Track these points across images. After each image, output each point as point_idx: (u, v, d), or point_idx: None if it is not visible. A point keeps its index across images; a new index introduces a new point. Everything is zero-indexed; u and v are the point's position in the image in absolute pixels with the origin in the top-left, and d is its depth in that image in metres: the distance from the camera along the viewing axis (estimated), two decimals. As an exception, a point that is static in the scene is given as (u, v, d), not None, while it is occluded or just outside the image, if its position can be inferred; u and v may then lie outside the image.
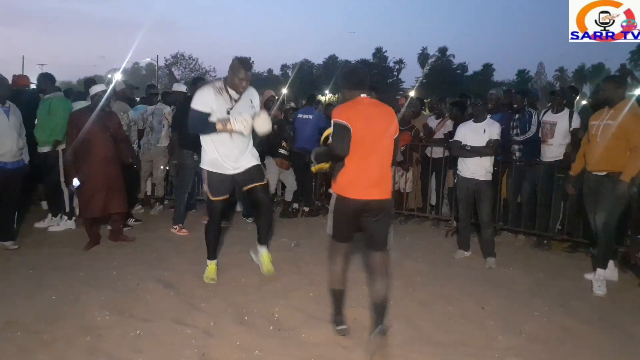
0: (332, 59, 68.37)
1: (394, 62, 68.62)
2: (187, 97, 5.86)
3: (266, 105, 6.55)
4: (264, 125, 4.20)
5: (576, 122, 5.63)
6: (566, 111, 5.75)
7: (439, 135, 6.77)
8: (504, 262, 5.21)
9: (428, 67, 62.17)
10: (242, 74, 4.12)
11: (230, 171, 4.30)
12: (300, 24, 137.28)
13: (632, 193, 4.65)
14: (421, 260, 5.27)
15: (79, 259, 4.89)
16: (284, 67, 68.99)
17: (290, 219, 6.95)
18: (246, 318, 3.64)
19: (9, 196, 5.12)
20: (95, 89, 5.25)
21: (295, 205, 7.29)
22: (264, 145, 6.03)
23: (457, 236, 5.65)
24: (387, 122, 3.33)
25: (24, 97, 6.25)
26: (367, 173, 3.23)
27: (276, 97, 7.76)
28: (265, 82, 47.31)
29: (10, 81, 5.88)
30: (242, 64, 4.14)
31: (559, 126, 5.67)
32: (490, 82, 61.97)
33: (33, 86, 7.01)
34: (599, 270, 4.49)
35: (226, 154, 4.24)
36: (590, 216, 4.70)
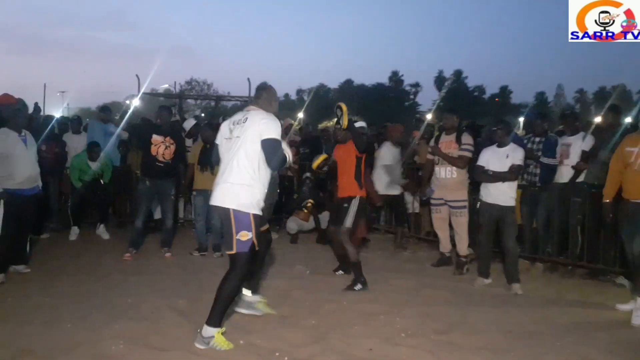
0: (348, 83, 68.78)
1: (410, 86, 68.83)
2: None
3: (286, 132, 6.66)
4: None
5: (586, 145, 5.63)
6: (581, 134, 5.81)
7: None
8: (524, 290, 5.08)
9: (445, 90, 62.20)
10: (278, 100, 3.95)
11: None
12: (315, 48, 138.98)
13: None
14: (439, 287, 5.17)
15: (95, 286, 4.90)
16: (299, 91, 69.42)
17: (323, 245, 6.80)
18: (260, 348, 3.58)
19: (24, 222, 5.21)
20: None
21: None
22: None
23: (477, 263, 5.53)
24: None
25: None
26: None
27: (293, 123, 7.90)
28: (282, 107, 47.54)
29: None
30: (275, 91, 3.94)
31: (574, 148, 5.72)
32: (508, 105, 61.64)
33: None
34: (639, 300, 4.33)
35: (264, 192, 3.67)
36: (627, 245, 4.52)
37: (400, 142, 6.91)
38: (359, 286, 4.95)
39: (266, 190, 3.66)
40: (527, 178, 5.98)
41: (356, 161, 5.11)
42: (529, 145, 5.99)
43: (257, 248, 3.64)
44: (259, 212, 3.60)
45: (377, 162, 6.85)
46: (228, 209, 3.54)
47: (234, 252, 3.56)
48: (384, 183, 6.77)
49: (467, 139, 5.76)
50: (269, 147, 3.52)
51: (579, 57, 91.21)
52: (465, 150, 5.69)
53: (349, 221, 5.01)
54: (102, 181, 7.20)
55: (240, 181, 3.52)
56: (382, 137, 8.31)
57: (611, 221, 4.70)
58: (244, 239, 3.53)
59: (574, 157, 5.70)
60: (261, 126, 3.55)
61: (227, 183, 3.56)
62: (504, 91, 67.62)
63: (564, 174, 5.78)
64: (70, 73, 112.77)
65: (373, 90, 64.77)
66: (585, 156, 5.60)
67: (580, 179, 5.68)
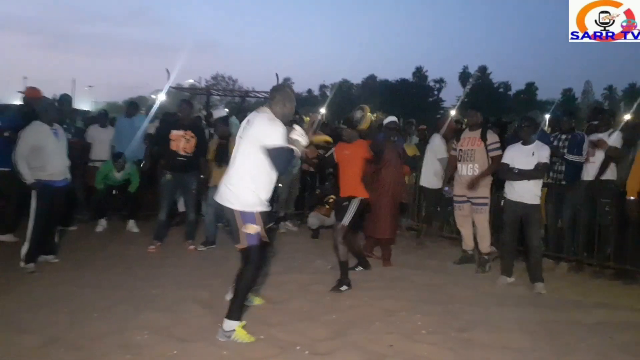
0: (371, 79, 68.41)
1: (435, 81, 68.14)
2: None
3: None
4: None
5: (614, 141, 5.53)
6: (610, 131, 5.71)
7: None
8: (548, 290, 5.02)
9: (469, 87, 61.37)
10: (294, 101, 3.83)
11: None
12: (339, 43, 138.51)
13: None
14: (461, 284, 5.14)
15: (120, 277, 5.00)
16: (322, 87, 69.25)
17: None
18: (281, 342, 3.62)
19: (54, 212, 5.34)
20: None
21: None
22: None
23: (501, 261, 5.47)
24: None
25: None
26: None
27: (317, 118, 7.88)
28: (304, 103, 47.56)
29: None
30: (292, 91, 3.91)
31: None
32: (534, 101, 60.64)
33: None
34: None
35: (269, 189, 3.74)
36: None
37: (446, 136, 6.79)
38: (344, 287, 4.83)
39: (272, 187, 3.69)
40: (553, 176, 5.90)
41: (364, 162, 5.10)
42: (555, 143, 5.91)
43: (265, 239, 3.71)
44: (264, 209, 3.67)
45: (428, 154, 6.81)
46: (233, 210, 3.62)
47: (244, 246, 3.63)
48: (440, 176, 6.69)
49: (492, 137, 5.70)
50: (270, 155, 3.54)
51: (607, 54, 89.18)
52: (494, 150, 5.64)
53: (346, 219, 4.96)
54: (126, 190, 7.19)
55: (243, 184, 3.59)
56: (405, 134, 8.29)
57: (637, 219, 4.60)
58: (251, 232, 3.60)
59: (601, 155, 5.61)
60: (260, 133, 3.56)
61: (231, 185, 3.63)
62: (530, 87, 66.48)
63: (591, 172, 5.70)
64: (98, 68, 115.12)
65: (397, 85, 64.30)
66: (613, 150, 5.50)
67: (608, 176, 5.57)
